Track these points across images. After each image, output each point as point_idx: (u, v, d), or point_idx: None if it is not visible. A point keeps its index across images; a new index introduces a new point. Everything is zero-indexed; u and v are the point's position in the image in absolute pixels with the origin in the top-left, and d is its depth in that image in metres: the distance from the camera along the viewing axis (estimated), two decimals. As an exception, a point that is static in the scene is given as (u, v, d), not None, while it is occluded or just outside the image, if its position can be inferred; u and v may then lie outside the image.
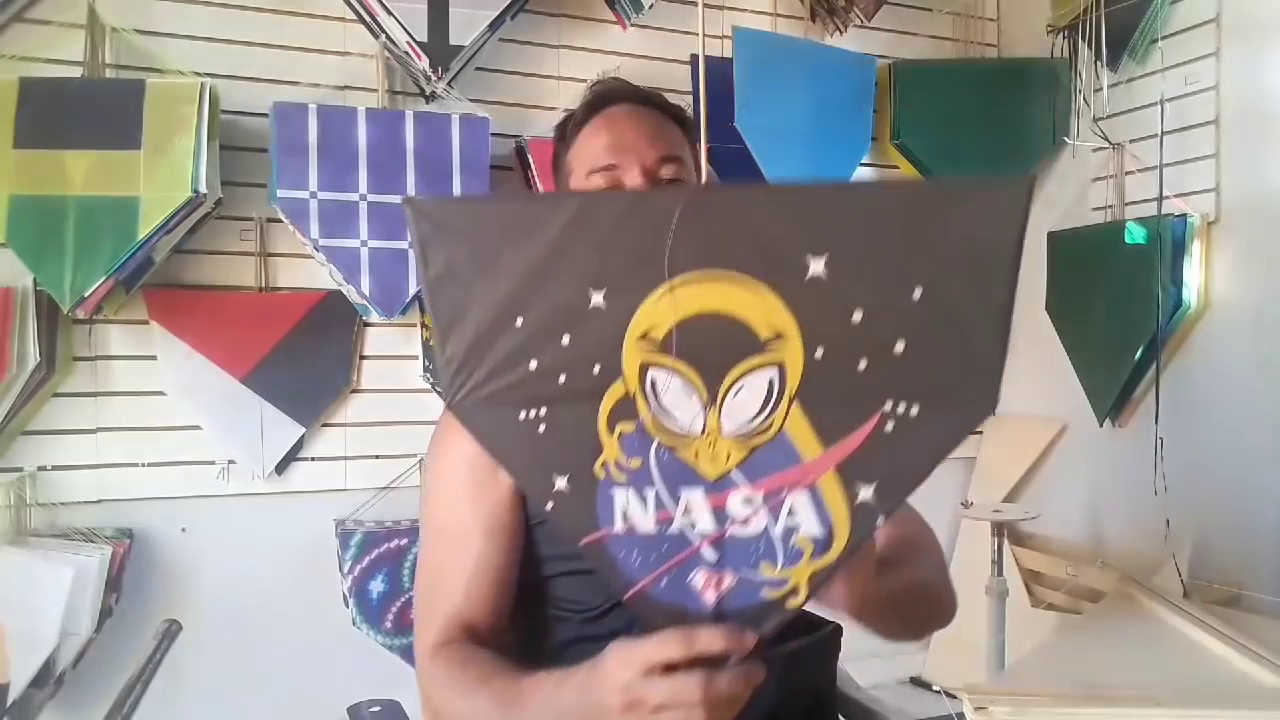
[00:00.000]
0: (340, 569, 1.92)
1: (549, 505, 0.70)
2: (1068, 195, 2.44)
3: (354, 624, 1.91)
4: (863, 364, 0.61)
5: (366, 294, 1.91)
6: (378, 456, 2.01)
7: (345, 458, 2.00)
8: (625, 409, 0.67)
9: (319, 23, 1.98)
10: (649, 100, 1.06)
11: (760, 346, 0.63)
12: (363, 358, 2.02)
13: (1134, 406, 2.22)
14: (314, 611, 1.95)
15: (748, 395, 0.64)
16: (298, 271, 1.97)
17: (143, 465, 1.87)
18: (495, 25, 1.99)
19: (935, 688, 2.34)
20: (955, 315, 0.59)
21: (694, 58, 2.28)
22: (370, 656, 1.89)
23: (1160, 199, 2.06)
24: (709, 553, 0.67)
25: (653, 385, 0.66)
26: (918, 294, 0.59)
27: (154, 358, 1.86)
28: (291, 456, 1.96)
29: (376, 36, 1.95)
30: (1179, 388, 2.09)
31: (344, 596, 1.93)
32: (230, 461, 1.92)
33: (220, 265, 1.92)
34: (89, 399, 1.84)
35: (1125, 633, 1.39)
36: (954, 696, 1.03)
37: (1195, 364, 2.09)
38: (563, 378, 0.67)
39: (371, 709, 0.66)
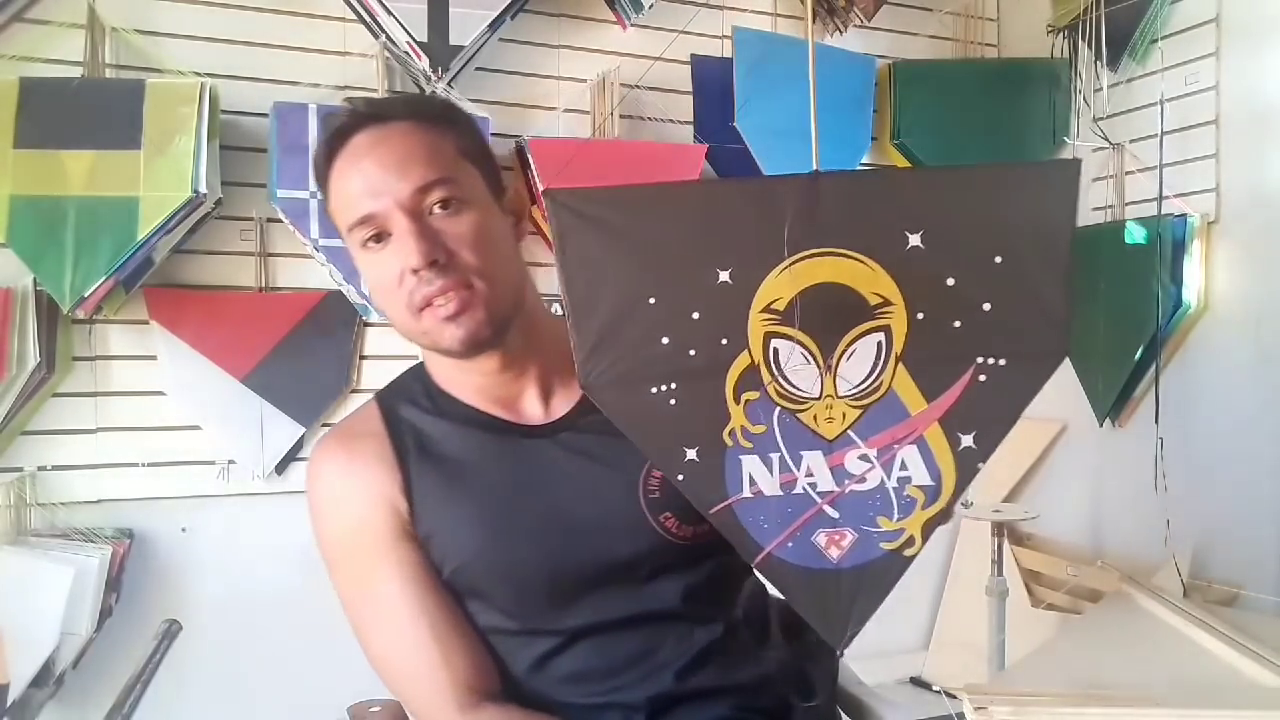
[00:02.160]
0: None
1: (680, 477, 0.73)
2: (1068, 195, 2.44)
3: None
4: (957, 323, 0.69)
5: (366, 294, 1.91)
6: (378, 456, 2.00)
7: (345, 458, 2.00)
8: (750, 379, 0.71)
9: (319, 23, 1.98)
10: (393, 114, 0.89)
11: (870, 313, 0.70)
12: (363, 358, 2.02)
13: (1134, 406, 2.22)
14: (314, 611, 1.93)
15: (859, 359, 0.71)
16: (298, 271, 1.97)
17: (143, 465, 1.86)
18: (495, 25, 1.99)
19: (935, 688, 2.34)
20: (1029, 277, 0.69)
21: (694, 57, 2.28)
22: (370, 656, 1.89)
23: (1160, 199, 2.06)
24: (830, 511, 0.73)
25: (775, 354, 0.71)
26: (999, 260, 0.68)
27: (154, 358, 1.86)
28: (291, 456, 1.95)
29: (376, 36, 1.95)
30: (1179, 388, 2.09)
31: (344, 596, 1.93)
32: (230, 461, 1.92)
33: (220, 265, 1.92)
34: (89, 399, 1.83)
35: (1125, 633, 1.39)
36: (954, 696, 1.03)
37: (1195, 364, 2.09)
38: (692, 352, 0.71)
39: (372, 709, 0.66)
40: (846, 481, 0.73)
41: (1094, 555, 2.23)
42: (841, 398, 0.71)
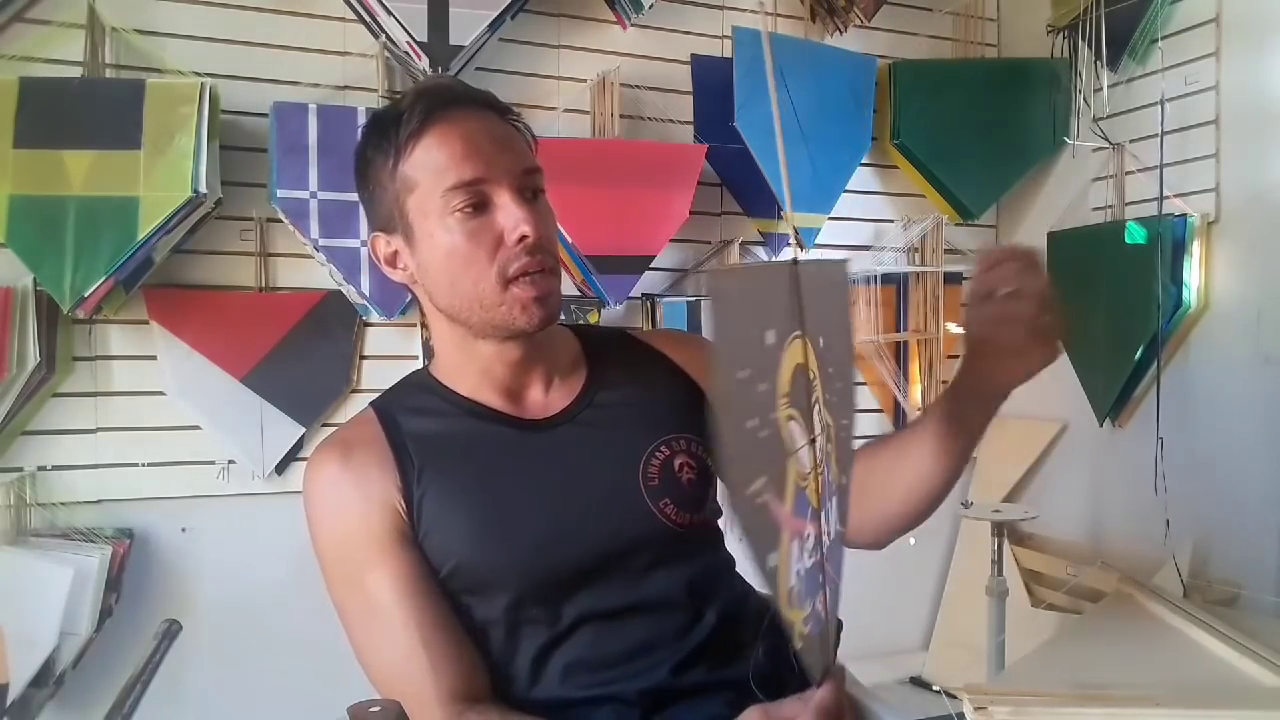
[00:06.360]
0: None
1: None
2: (1068, 195, 2.44)
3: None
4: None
5: (366, 294, 1.91)
6: (378, 456, 2.00)
7: (345, 458, 2.00)
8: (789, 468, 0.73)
9: (319, 23, 1.98)
10: (490, 105, 0.95)
11: (812, 385, 0.75)
12: (363, 358, 2.02)
13: (1134, 406, 2.22)
14: (314, 611, 1.93)
15: (818, 427, 0.75)
16: (298, 271, 1.97)
17: (143, 465, 1.87)
18: (495, 25, 1.99)
19: (935, 688, 2.34)
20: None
21: (694, 57, 2.28)
22: (370, 656, 1.89)
23: (1160, 199, 2.06)
24: (823, 572, 0.75)
25: (793, 438, 0.73)
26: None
27: (154, 358, 1.86)
28: (291, 456, 1.96)
29: (376, 36, 1.95)
30: (1179, 388, 2.09)
31: (344, 596, 1.93)
32: (230, 461, 1.92)
33: (220, 265, 1.92)
34: (89, 399, 1.83)
35: (1125, 633, 1.39)
36: (954, 696, 1.03)
37: (1195, 364, 2.09)
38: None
39: (372, 709, 0.66)
40: (826, 540, 0.75)
41: (1094, 555, 2.23)
42: (816, 465, 0.75)
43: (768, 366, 0.70)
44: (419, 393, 1.00)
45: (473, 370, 0.98)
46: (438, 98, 0.92)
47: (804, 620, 0.74)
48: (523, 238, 0.89)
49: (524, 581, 0.91)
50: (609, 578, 0.92)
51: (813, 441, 0.74)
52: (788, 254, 2.39)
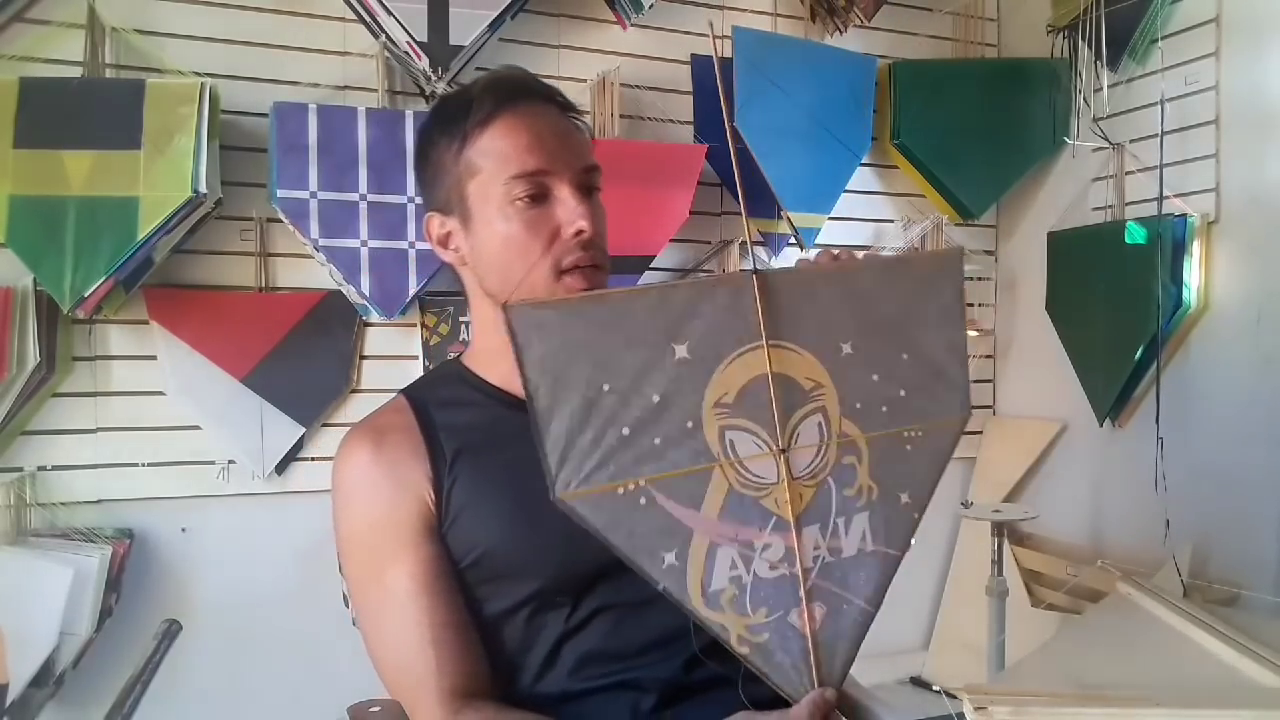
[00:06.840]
0: (340, 569, 1.92)
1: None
2: (1068, 195, 2.44)
3: (354, 624, 1.91)
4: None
5: (366, 294, 1.91)
6: (378, 456, 2.00)
7: (345, 458, 2.00)
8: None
9: (319, 23, 1.98)
10: (556, 100, 0.99)
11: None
12: (363, 358, 2.02)
13: (1134, 406, 2.22)
14: (314, 611, 1.95)
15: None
16: (298, 271, 1.97)
17: (143, 465, 1.87)
18: (495, 25, 1.99)
19: (935, 688, 2.34)
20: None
21: (694, 57, 2.28)
22: (370, 656, 1.89)
23: (1160, 199, 2.06)
24: (803, 588, 0.76)
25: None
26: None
27: (154, 358, 1.87)
28: (291, 456, 1.96)
29: (376, 36, 1.95)
30: (1179, 388, 2.09)
31: (344, 596, 1.93)
32: (230, 461, 1.92)
33: (220, 265, 1.92)
34: (89, 399, 1.84)
35: (1125, 633, 1.39)
36: (954, 696, 1.03)
37: (1195, 364, 2.09)
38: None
39: (372, 709, 0.66)
40: (816, 554, 0.76)
41: (1094, 555, 2.23)
42: (797, 479, 0.75)
43: (674, 380, 0.72)
44: (451, 384, 1.01)
45: (510, 356, 0.99)
46: (509, 88, 0.94)
47: (749, 627, 0.75)
48: (579, 232, 0.92)
49: (550, 570, 0.91)
50: (630, 570, 0.93)
51: (783, 452, 0.74)
52: (790, 254, 2.39)
